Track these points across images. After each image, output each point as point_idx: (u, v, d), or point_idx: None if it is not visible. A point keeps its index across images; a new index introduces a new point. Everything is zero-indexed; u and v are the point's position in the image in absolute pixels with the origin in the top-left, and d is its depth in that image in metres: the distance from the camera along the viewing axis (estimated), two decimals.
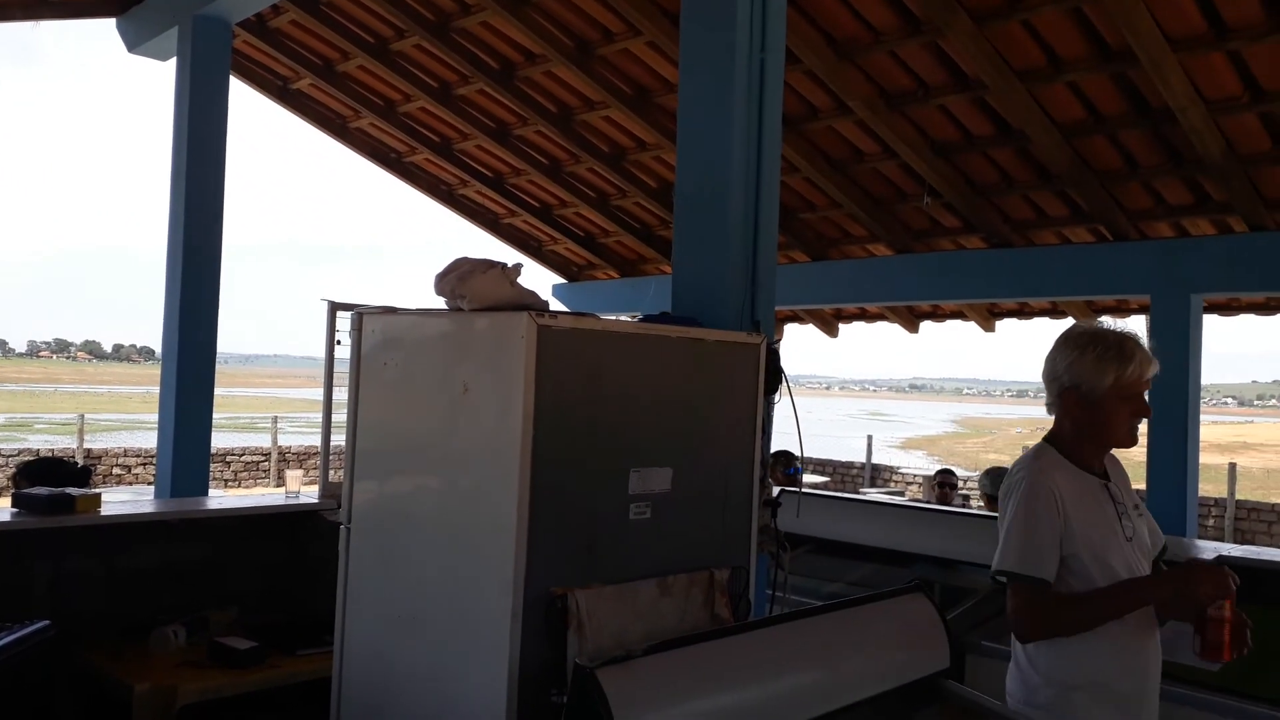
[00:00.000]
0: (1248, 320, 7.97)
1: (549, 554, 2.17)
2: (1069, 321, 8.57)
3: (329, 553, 2.94)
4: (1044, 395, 2.40)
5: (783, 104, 3.33)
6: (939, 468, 8.21)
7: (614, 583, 2.26)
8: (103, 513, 3.72)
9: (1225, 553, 3.50)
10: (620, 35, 6.37)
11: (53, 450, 16.37)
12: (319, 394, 4.48)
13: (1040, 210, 6.99)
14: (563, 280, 10.88)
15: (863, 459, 17.22)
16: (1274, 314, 7.72)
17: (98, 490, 3.90)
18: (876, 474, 16.71)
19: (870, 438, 18.02)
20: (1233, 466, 14.59)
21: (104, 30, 7.02)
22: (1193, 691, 2.76)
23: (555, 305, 2.43)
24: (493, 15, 6.48)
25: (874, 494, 11.15)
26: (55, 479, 4.01)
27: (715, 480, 2.56)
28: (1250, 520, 13.91)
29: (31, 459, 5.24)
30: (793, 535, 3.05)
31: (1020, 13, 5.18)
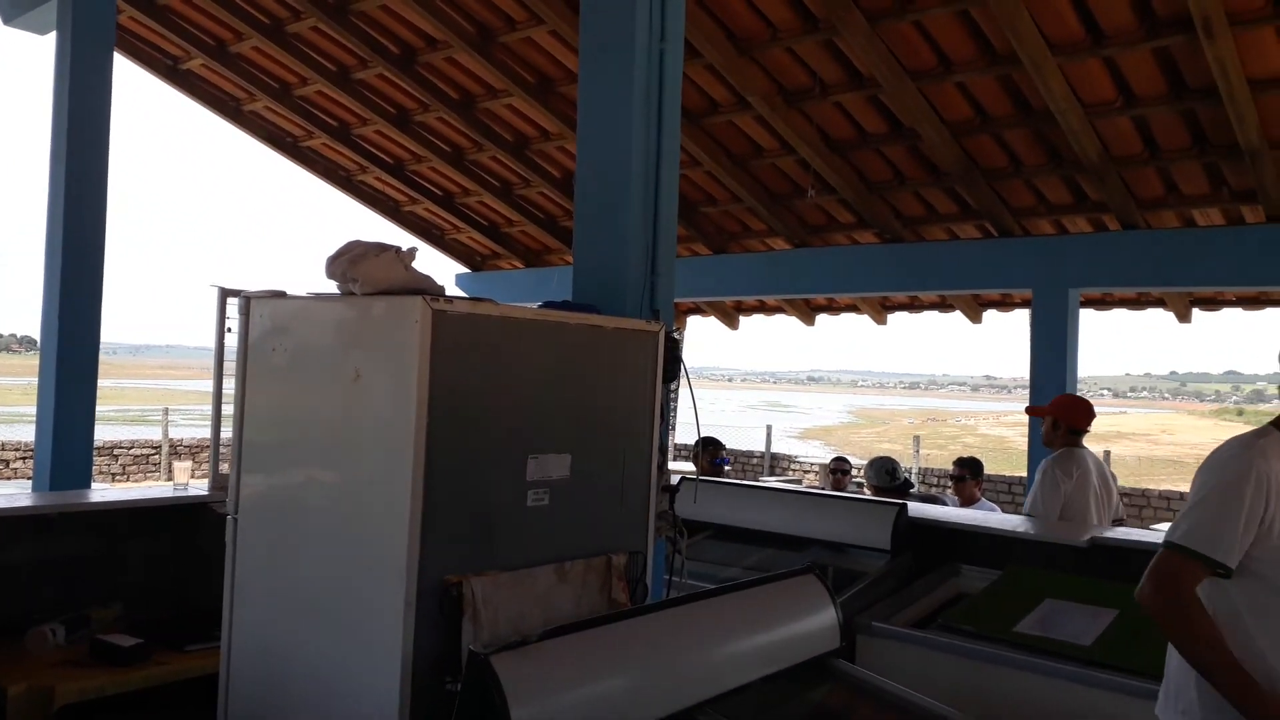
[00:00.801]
0: (1120, 315, 8.44)
1: (444, 542, 2.15)
2: (957, 315, 8.92)
3: (220, 546, 2.87)
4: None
5: (683, 97, 3.37)
6: (834, 456, 8.43)
7: (511, 569, 2.26)
8: None
9: (1098, 535, 3.71)
10: (523, 23, 6.34)
11: None
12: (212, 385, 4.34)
13: (930, 207, 7.24)
14: (466, 270, 10.77)
15: (762, 448, 17.53)
16: (1144, 309, 8.18)
17: None
18: (775, 462, 17.05)
19: (770, 427, 18.37)
20: (1107, 454, 15.40)
21: None
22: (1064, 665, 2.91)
23: (458, 294, 2.41)
24: None
25: (772, 481, 11.37)
26: None
27: (613, 467, 2.58)
28: (1126, 505, 14.72)
29: None
30: (691, 522, 3.10)
31: (912, 14, 5.35)
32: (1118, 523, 4.86)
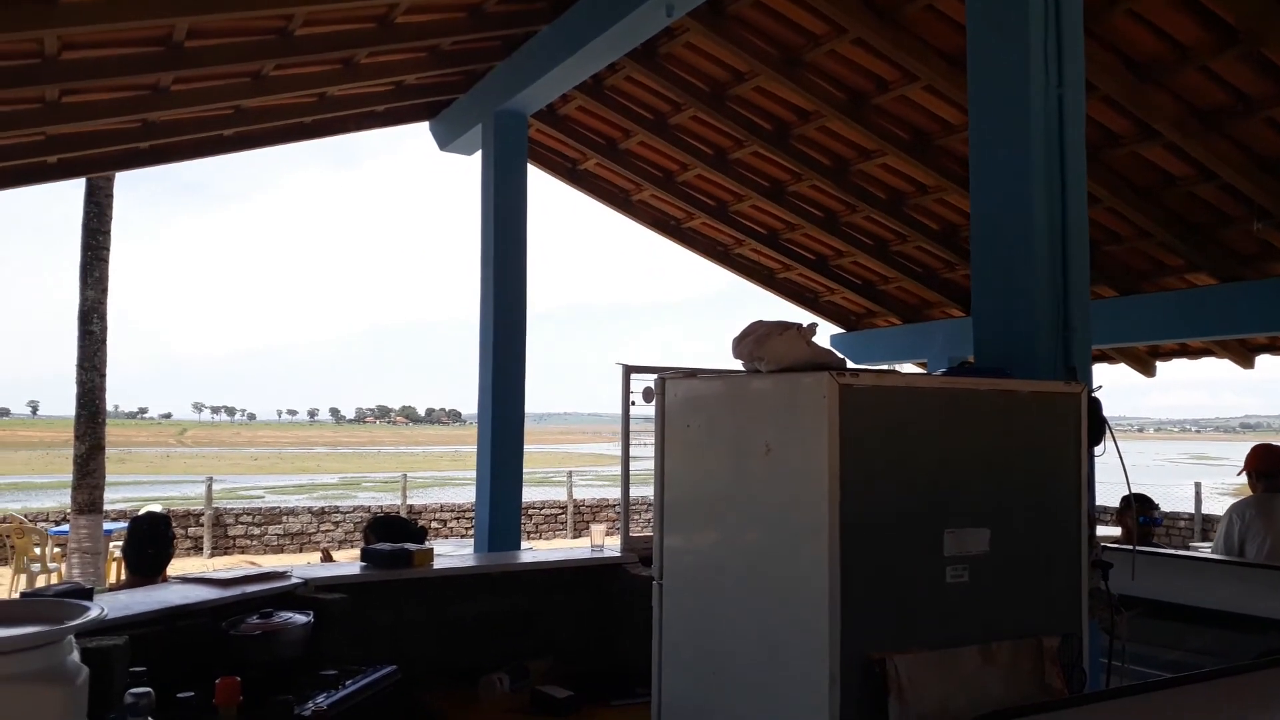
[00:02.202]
0: None
1: (863, 617, 2.13)
2: None
3: (633, 604, 3.06)
4: None
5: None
6: None
7: (933, 648, 2.17)
8: (435, 567, 4.10)
9: None
10: (895, 84, 6.30)
11: (381, 507, 18.23)
12: (604, 448, 4.71)
13: None
14: (840, 330, 10.75)
15: (1190, 509, 15.41)
16: None
17: (430, 546, 4.29)
18: (1208, 525, 14.89)
19: (1199, 485, 16.08)
20: None
21: (410, 131, 7.87)
22: None
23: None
24: (766, 80, 6.62)
25: (1207, 549, 9.94)
26: (397, 535, 4.47)
27: (1037, 541, 2.41)
28: None
29: (380, 516, 5.90)
30: (1123, 597, 2.79)
31: None
32: None
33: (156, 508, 9.85)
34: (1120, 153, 6.24)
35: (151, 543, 4.25)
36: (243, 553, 15.59)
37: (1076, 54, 3.08)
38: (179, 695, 2.51)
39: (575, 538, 18.02)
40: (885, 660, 2.07)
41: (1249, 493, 5.30)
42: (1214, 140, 5.75)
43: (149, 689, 2.19)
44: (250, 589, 3.43)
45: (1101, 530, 7.87)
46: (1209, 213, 6.64)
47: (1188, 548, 11.79)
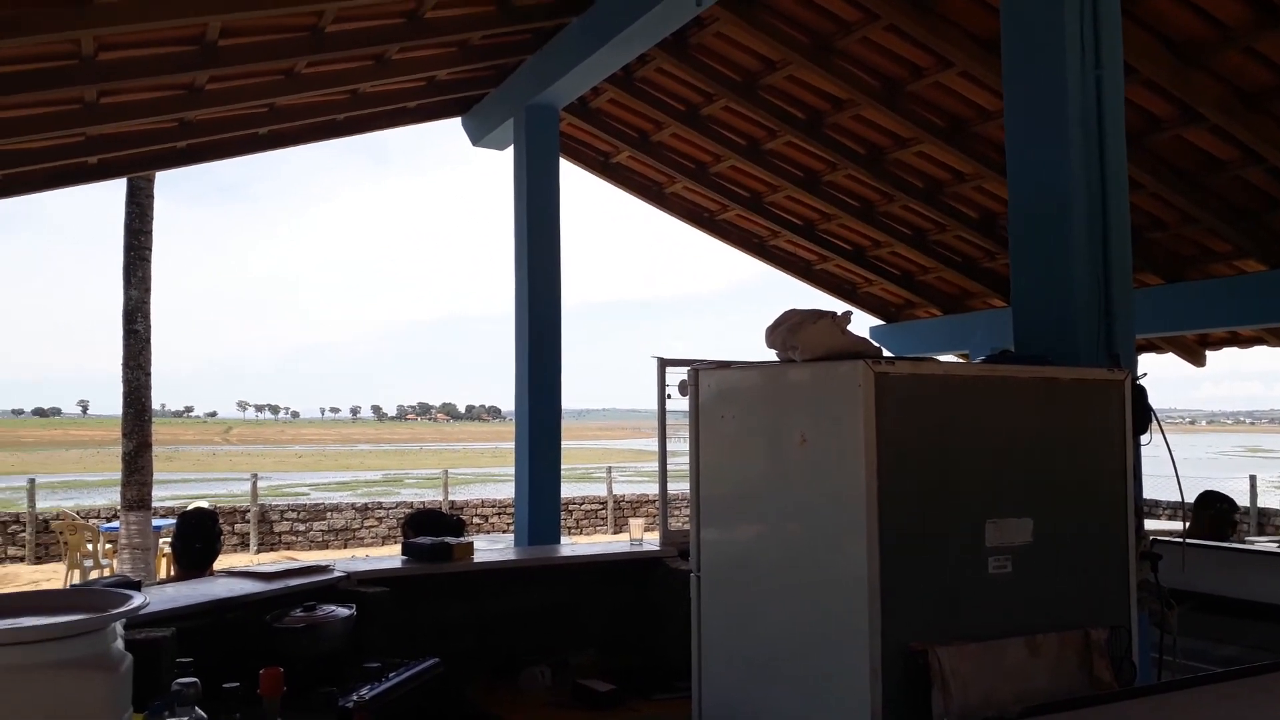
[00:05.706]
0: None
1: (905, 608, 2.10)
2: None
3: (672, 597, 3.05)
4: None
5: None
6: None
7: (976, 640, 2.14)
8: (475, 560, 4.13)
9: None
10: (930, 70, 6.21)
11: (424, 503, 18.39)
12: (644, 444, 4.71)
13: None
14: (880, 322, 10.65)
15: (1244, 502, 15.08)
16: None
17: (470, 539, 4.31)
18: (1264, 519, 14.55)
19: (1253, 477, 15.73)
20: None
21: (444, 127, 7.87)
22: None
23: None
24: (798, 68, 6.56)
25: (1263, 542, 9.71)
26: (436, 529, 4.50)
27: (1083, 531, 2.36)
28: None
29: (419, 510, 5.97)
30: (1174, 591, 2.73)
31: None
32: None
33: (204, 504, 10.02)
34: (1163, 137, 6.11)
35: (199, 538, 4.31)
36: (288, 549, 15.81)
37: (1114, 36, 3.01)
38: (225, 686, 2.55)
39: (615, 533, 18.04)
40: (928, 651, 2.05)
41: None
42: (1260, 122, 5.61)
43: (195, 679, 2.22)
44: (294, 582, 3.47)
45: (1172, 525, 7.59)
46: (1257, 197, 6.48)
47: (1244, 542, 11.55)
